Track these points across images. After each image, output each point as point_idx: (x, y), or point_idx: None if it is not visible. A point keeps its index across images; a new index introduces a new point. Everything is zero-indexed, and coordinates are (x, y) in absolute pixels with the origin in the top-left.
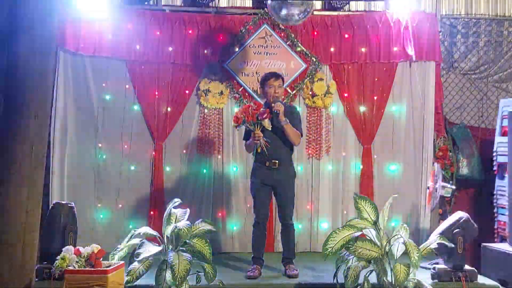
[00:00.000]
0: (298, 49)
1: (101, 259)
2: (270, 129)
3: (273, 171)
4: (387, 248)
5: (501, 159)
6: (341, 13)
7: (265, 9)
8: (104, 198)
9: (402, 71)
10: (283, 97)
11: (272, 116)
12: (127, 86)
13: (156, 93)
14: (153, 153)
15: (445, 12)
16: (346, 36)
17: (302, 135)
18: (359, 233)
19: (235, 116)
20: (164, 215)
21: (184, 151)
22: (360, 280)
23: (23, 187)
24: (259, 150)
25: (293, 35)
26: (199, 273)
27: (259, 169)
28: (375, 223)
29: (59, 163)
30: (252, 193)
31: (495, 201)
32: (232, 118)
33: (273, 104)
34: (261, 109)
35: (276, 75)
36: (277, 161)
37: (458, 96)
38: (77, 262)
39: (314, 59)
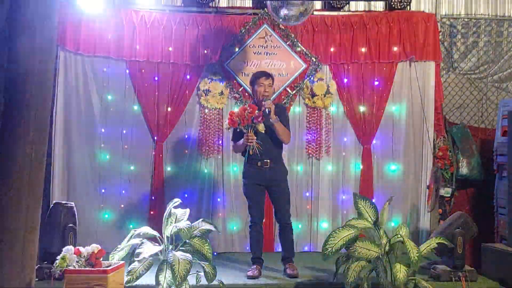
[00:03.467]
0: (298, 49)
1: (101, 259)
2: (263, 131)
3: (265, 171)
4: (387, 248)
5: (501, 159)
6: (341, 13)
7: (265, 9)
8: (104, 198)
9: (402, 71)
10: (273, 96)
11: (263, 115)
12: (127, 86)
13: (156, 93)
14: (153, 153)
15: (445, 12)
16: (346, 36)
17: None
18: (359, 233)
19: (229, 119)
20: (164, 215)
21: (184, 151)
22: (360, 280)
23: (23, 187)
24: (251, 153)
25: (293, 35)
26: (199, 273)
27: (250, 170)
28: (375, 223)
29: (59, 163)
30: (245, 194)
31: (495, 201)
32: None
33: (263, 102)
34: (256, 112)
35: (266, 74)
36: (268, 161)
37: (458, 96)
38: (77, 262)
39: (314, 59)
